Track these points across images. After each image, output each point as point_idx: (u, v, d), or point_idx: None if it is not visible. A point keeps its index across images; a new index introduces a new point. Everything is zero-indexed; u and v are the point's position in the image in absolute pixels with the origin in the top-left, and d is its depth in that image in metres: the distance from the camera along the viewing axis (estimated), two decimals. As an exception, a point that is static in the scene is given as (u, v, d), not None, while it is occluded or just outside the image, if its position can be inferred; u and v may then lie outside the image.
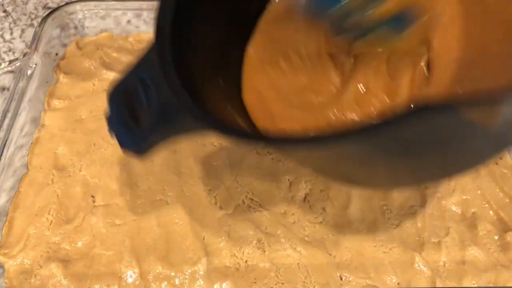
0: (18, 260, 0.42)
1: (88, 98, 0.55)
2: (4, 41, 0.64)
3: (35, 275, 0.41)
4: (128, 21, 0.63)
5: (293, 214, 0.45)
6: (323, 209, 0.45)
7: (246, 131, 0.27)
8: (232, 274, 0.41)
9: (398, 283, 0.41)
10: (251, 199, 0.46)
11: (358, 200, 0.46)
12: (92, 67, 0.58)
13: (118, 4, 0.61)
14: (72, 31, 0.61)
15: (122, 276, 0.41)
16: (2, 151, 0.47)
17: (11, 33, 0.65)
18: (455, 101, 0.18)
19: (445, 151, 0.21)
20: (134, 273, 0.41)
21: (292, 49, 0.29)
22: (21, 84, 0.52)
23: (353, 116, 0.25)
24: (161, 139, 0.32)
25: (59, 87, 0.56)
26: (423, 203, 0.46)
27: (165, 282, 0.41)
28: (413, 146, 0.20)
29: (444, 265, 0.42)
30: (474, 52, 0.24)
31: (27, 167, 0.49)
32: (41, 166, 0.48)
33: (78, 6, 0.60)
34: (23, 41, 0.64)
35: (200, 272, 0.41)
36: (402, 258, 0.42)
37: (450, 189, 0.47)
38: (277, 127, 0.29)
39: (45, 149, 0.50)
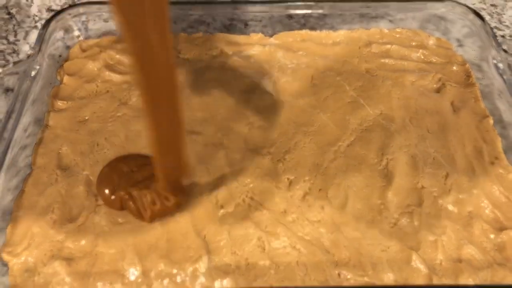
0: (22, 259, 0.43)
1: (91, 99, 0.55)
2: (9, 43, 0.65)
3: (39, 273, 0.42)
4: (130, 24, 0.64)
5: (292, 213, 0.46)
6: (322, 208, 0.46)
7: None
8: (232, 272, 0.42)
9: (395, 281, 0.42)
10: (251, 198, 0.47)
11: (356, 199, 0.46)
12: (96, 69, 0.58)
13: (121, 7, 0.62)
14: (76, 33, 0.62)
15: (125, 274, 0.42)
16: (7, 151, 0.48)
17: (15, 35, 0.66)
18: None
19: None
20: (137, 270, 0.42)
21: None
22: (25, 86, 0.53)
23: None
24: None
25: (62, 88, 0.57)
26: (420, 202, 0.47)
27: (167, 280, 0.42)
28: None
29: (440, 263, 0.43)
30: None
31: (31, 167, 0.49)
32: (44, 166, 0.49)
33: (81, 9, 0.61)
34: (27, 43, 0.65)
35: (201, 270, 0.42)
36: (399, 256, 0.43)
37: (446, 189, 0.48)
38: None
39: (49, 150, 0.51)
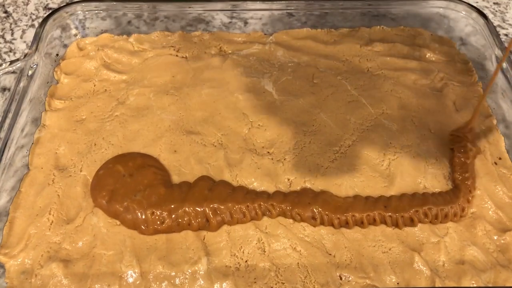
0: (19, 260, 0.42)
1: (89, 99, 0.55)
2: (5, 41, 0.64)
3: (36, 275, 0.41)
4: (129, 22, 0.63)
5: (293, 214, 0.45)
6: (323, 209, 0.45)
7: None
8: (232, 274, 0.41)
9: (397, 283, 0.41)
10: (251, 199, 0.46)
11: (357, 200, 0.46)
12: (93, 68, 0.58)
13: (119, 5, 0.61)
14: (73, 31, 0.61)
15: (123, 276, 0.41)
16: (3, 152, 0.47)
17: (12, 34, 0.65)
18: None
19: None
20: (135, 273, 0.41)
21: None
22: (22, 85, 0.52)
23: None
24: None
25: (59, 88, 0.56)
26: (422, 203, 0.46)
27: (166, 282, 0.41)
28: None
29: (443, 265, 0.42)
30: None
31: (28, 167, 0.49)
32: (42, 166, 0.49)
33: (78, 7, 0.60)
34: (24, 42, 0.64)
35: (201, 272, 0.41)
36: (402, 258, 0.42)
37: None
38: None
39: (46, 149, 0.50)
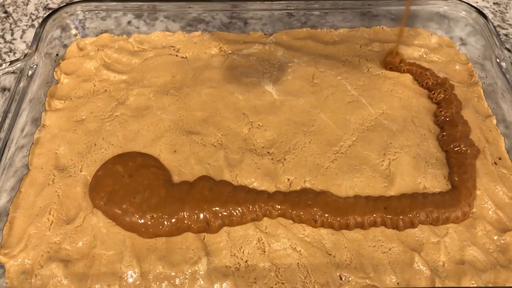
0: (19, 260, 0.42)
1: (89, 99, 0.55)
2: (5, 41, 0.64)
3: (36, 275, 0.41)
4: (129, 22, 0.63)
5: (293, 214, 0.45)
6: (323, 209, 0.45)
7: None
8: (232, 274, 0.41)
9: (397, 283, 0.41)
10: (251, 199, 0.46)
11: (357, 200, 0.46)
12: (93, 68, 0.58)
13: (119, 5, 0.61)
14: (73, 31, 0.61)
15: (123, 276, 0.41)
16: (3, 152, 0.47)
17: (12, 34, 0.65)
18: None
19: None
20: (135, 273, 0.41)
21: None
22: (22, 85, 0.52)
23: None
24: None
25: (59, 88, 0.56)
26: (422, 203, 0.46)
27: (166, 282, 0.41)
28: None
29: (443, 265, 0.42)
30: None
31: (28, 168, 0.49)
32: (41, 167, 0.49)
33: (78, 7, 0.60)
34: (24, 42, 0.64)
35: (201, 272, 0.41)
36: (402, 258, 0.42)
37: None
38: None
39: (46, 150, 0.50)
